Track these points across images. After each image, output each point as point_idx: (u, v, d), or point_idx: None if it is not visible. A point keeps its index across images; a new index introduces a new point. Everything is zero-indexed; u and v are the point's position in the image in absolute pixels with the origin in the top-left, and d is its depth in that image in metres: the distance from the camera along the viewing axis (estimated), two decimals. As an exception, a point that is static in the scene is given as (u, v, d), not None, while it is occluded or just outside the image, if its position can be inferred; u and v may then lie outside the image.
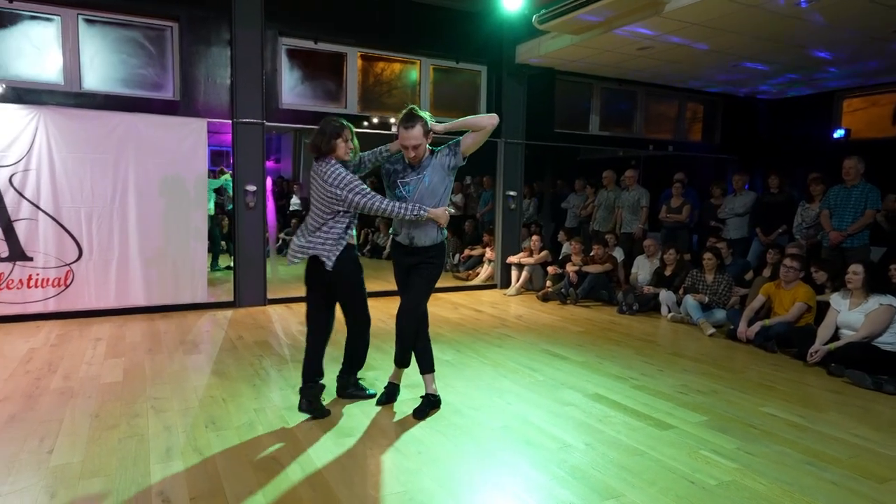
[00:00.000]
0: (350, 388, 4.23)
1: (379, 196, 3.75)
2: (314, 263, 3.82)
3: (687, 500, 2.89)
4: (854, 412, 4.18)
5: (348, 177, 3.69)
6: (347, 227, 3.82)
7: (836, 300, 5.36)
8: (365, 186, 3.73)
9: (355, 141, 3.88)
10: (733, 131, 10.97)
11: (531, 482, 3.06)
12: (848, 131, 9.92)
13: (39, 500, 2.82)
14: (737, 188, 8.39)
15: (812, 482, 3.10)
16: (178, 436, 3.57)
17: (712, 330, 6.40)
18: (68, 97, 6.59)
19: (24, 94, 6.41)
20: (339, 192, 3.66)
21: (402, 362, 4.10)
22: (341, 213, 3.75)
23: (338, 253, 3.76)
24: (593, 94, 9.68)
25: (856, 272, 5.18)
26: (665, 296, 7.26)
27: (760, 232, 7.97)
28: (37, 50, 6.53)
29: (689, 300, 6.77)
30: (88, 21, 6.67)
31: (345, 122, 3.82)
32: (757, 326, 5.87)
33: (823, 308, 5.61)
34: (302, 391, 3.93)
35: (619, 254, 8.52)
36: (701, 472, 3.18)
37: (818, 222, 6.89)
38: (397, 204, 3.75)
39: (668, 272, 7.55)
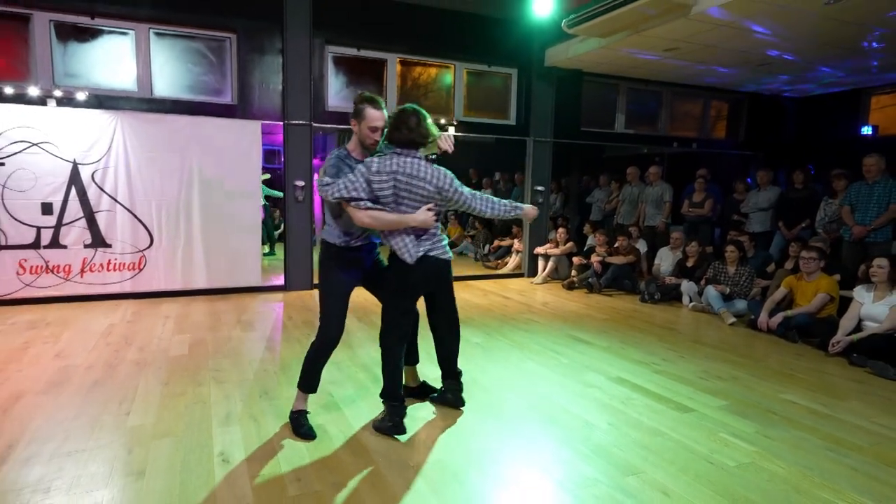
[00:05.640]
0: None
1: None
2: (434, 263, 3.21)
3: (706, 479, 2.75)
4: (876, 401, 3.92)
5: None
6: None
7: (860, 293, 5.07)
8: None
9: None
10: (758, 128, 10.55)
11: (556, 458, 2.96)
12: (876, 128, 9.40)
13: (119, 455, 2.90)
14: (761, 184, 8.04)
15: (832, 467, 2.91)
16: (236, 403, 3.61)
17: (733, 319, 6.14)
18: (141, 103, 6.71)
19: (104, 100, 6.54)
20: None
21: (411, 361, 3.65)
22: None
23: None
24: (619, 94, 9.43)
25: (881, 265, 4.90)
26: (687, 286, 7.01)
27: (783, 226, 7.63)
28: (115, 61, 6.65)
29: (711, 290, 6.52)
30: (159, 34, 6.76)
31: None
32: (779, 317, 5.58)
33: (845, 302, 5.33)
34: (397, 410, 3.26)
35: (642, 246, 8.30)
36: (720, 453, 3.03)
37: (840, 217, 6.57)
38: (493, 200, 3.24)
39: (690, 264, 7.31)
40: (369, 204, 3.00)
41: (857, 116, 9.65)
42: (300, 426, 3.18)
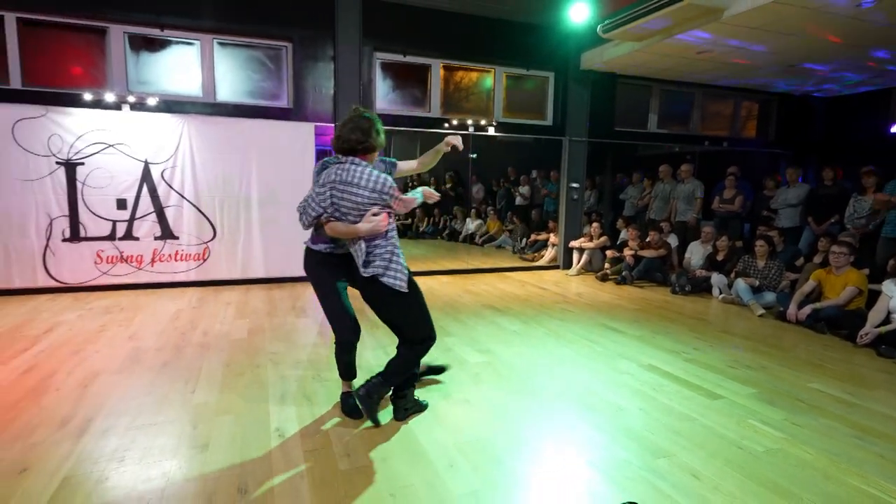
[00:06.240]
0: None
1: None
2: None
3: (735, 463, 2.70)
4: (903, 391, 3.78)
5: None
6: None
7: (889, 287, 4.87)
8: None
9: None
10: (788, 127, 10.20)
11: (590, 440, 2.94)
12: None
13: (184, 430, 2.98)
14: (790, 180, 7.77)
15: (860, 454, 2.82)
16: (291, 384, 3.68)
17: (762, 311, 5.97)
18: (206, 107, 6.89)
19: (173, 105, 6.73)
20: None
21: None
22: None
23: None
24: (652, 96, 9.24)
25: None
26: (716, 279, 6.83)
27: (813, 221, 7.36)
28: (182, 69, 6.84)
29: (740, 283, 6.34)
30: (222, 44, 6.93)
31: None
32: (808, 309, 5.41)
33: (873, 296, 5.12)
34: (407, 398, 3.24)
35: (673, 240, 8.13)
36: (749, 439, 2.96)
37: (869, 213, 6.30)
38: None
39: (720, 257, 7.12)
40: (336, 215, 2.82)
41: (888, 115, 9.22)
42: (345, 405, 3.24)
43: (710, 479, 2.55)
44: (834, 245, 5.51)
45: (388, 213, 2.81)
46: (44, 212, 6.29)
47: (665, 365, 4.19)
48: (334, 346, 3.20)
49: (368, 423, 3.07)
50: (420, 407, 3.27)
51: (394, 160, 3.25)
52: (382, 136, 2.88)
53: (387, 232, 2.82)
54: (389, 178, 2.78)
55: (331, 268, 3.07)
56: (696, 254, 7.58)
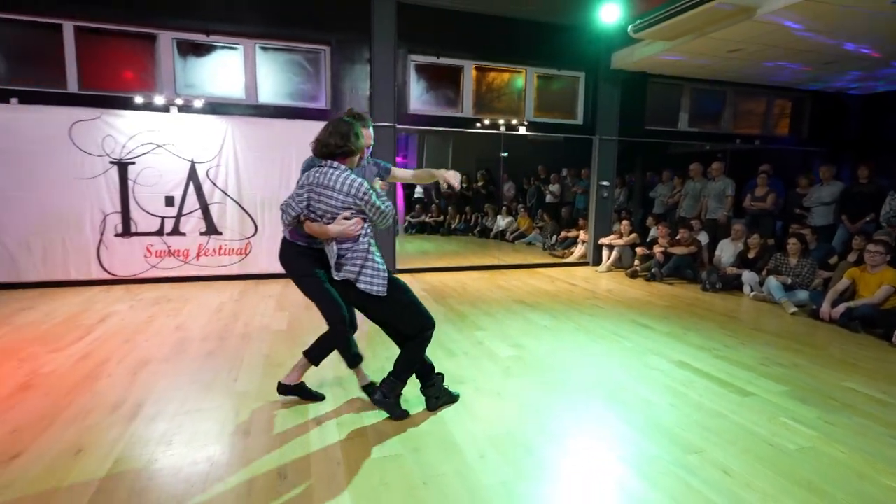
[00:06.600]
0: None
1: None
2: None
3: (767, 460, 2.62)
4: (942, 392, 3.61)
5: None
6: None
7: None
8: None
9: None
10: (821, 125, 9.84)
11: (620, 434, 2.89)
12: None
13: (228, 416, 3.05)
14: (824, 178, 7.50)
15: (895, 454, 2.70)
16: (327, 373, 3.71)
17: (794, 309, 5.77)
18: (248, 108, 7.00)
19: (217, 106, 6.87)
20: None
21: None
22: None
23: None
24: (683, 94, 9.02)
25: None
26: (748, 276, 6.64)
27: (847, 219, 7.08)
28: (226, 72, 6.97)
29: (772, 281, 6.15)
30: (263, 48, 7.03)
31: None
32: (842, 307, 5.21)
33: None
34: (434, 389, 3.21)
35: (703, 238, 7.92)
36: (780, 436, 2.87)
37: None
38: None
39: (751, 255, 6.91)
40: (312, 216, 2.82)
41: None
42: (303, 391, 3.26)
43: (742, 475, 2.48)
44: (869, 244, 5.30)
45: (362, 218, 2.79)
46: (98, 208, 6.50)
47: (695, 361, 4.09)
48: (335, 340, 3.12)
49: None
50: (451, 398, 3.26)
51: (389, 165, 3.29)
52: (362, 140, 2.86)
53: (359, 236, 2.79)
54: (365, 184, 2.75)
55: (310, 259, 3.06)
56: (726, 251, 7.38)
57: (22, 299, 5.76)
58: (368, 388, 3.33)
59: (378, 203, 2.78)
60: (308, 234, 2.93)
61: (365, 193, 2.73)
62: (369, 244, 2.82)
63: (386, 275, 2.84)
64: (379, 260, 2.84)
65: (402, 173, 3.37)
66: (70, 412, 3.06)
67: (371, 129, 3.12)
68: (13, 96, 6.14)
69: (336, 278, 2.84)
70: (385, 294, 2.81)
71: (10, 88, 6.17)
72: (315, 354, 3.20)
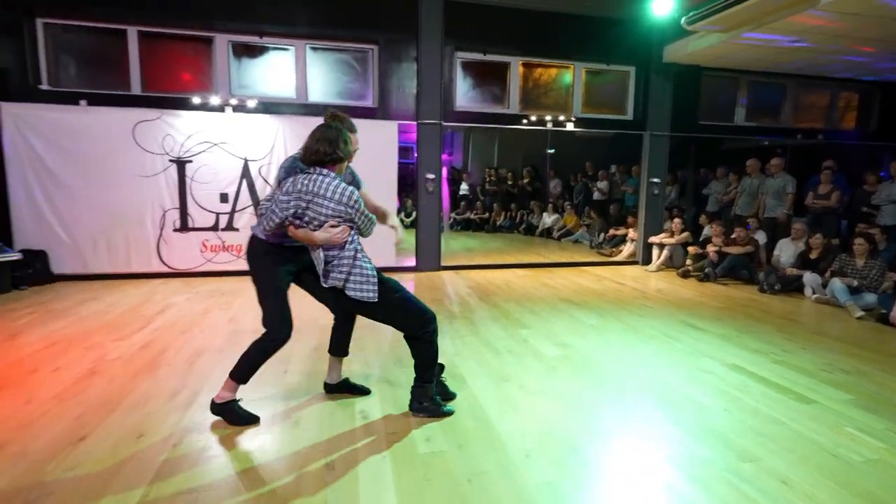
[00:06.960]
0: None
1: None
2: None
3: (829, 471, 2.48)
4: None
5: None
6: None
7: None
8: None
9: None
10: (892, 119, 9.26)
11: (670, 436, 2.81)
12: None
13: (277, 405, 3.15)
14: (894, 175, 7.08)
15: (974, 470, 2.52)
16: (374, 369, 3.76)
17: (861, 313, 5.46)
18: (299, 108, 7.17)
19: (269, 106, 7.06)
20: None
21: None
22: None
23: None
24: (739, 87, 8.69)
25: None
26: (809, 277, 6.32)
27: (919, 218, 6.68)
28: (278, 72, 7.16)
29: (837, 283, 5.83)
30: (314, 49, 7.19)
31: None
32: (912, 311, 4.92)
33: None
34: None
35: (761, 237, 7.61)
36: (844, 447, 2.72)
37: None
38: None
39: (813, 255, 6.57)
40: (297, 223, 2.75)
41: None
42: (232, 414, 2.94)
43: (802, 486, 2.36)
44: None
45: (350, 226, 2.75)
46: (158, 205, 6.79)
47: (751, 365, 3.93)
48: (262, 347, 3.00)
49: (445, 408, 3.08)
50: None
51: (360, 182, 3.21)
52: (350, 147, 2.80)
53: (345, 244, 2.75)
54: (356, 192, 2.71)
55: (279, 259, 2.94)
56: (785, 251, 7.05)
57: (88, 290, 6.08)
58: (340, 385, 3.32)
59: (366, 210, 2.75)
60: (284, 234, 2.84)
61: (356, 202, 2.70)
62: (356, 250, 2.79)
63: (376, 280, 2.81)
64: (368, 265, 2.81)
65: (367, 195, 3.18)
66: (132, 398, 3.21)
67: (357, 134, 3.05)
68: (82, 98, 6.49)
69: (324, 286, 2.84)
70: (377, 299, 2.79)
71: (80, 91, 6.53)
72: (242, 373, 2.99)
